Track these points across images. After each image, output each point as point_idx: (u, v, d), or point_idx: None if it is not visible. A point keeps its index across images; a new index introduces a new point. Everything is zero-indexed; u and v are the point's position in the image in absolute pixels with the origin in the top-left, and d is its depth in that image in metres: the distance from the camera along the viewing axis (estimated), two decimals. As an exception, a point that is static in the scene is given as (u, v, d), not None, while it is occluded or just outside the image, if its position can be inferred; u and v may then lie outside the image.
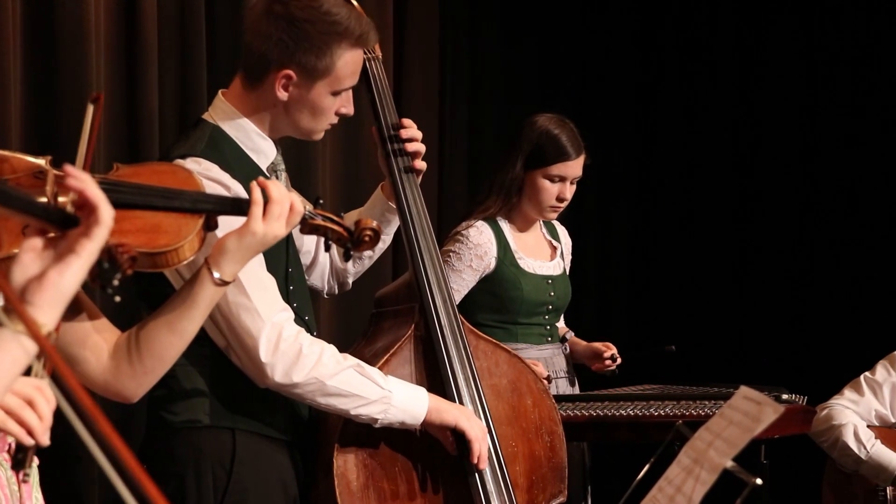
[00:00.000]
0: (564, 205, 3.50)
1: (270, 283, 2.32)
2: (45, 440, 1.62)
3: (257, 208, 2.04)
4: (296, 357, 2.28)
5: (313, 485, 2.48)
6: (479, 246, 3.43)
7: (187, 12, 3.55)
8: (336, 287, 2.76)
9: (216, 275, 2.05)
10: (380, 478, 2.47)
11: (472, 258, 3.43)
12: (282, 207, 2.06)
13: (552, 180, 3.45)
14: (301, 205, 2.11)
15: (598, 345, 3.59)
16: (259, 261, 2.30)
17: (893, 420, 3.46)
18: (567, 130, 3.47)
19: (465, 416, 2.45)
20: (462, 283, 3.42)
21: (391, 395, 2.37)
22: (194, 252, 1.98)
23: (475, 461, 2.46)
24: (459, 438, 2.48)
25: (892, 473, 3.32)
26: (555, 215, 3.53)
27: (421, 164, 2.64)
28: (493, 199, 3.49)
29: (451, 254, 3.42)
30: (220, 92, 2.47)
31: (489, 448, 2.53)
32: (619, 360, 3.55)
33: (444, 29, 4.68)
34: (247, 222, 2.05)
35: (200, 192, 2.03)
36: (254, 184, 2.07)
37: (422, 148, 2.64)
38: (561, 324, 3.69)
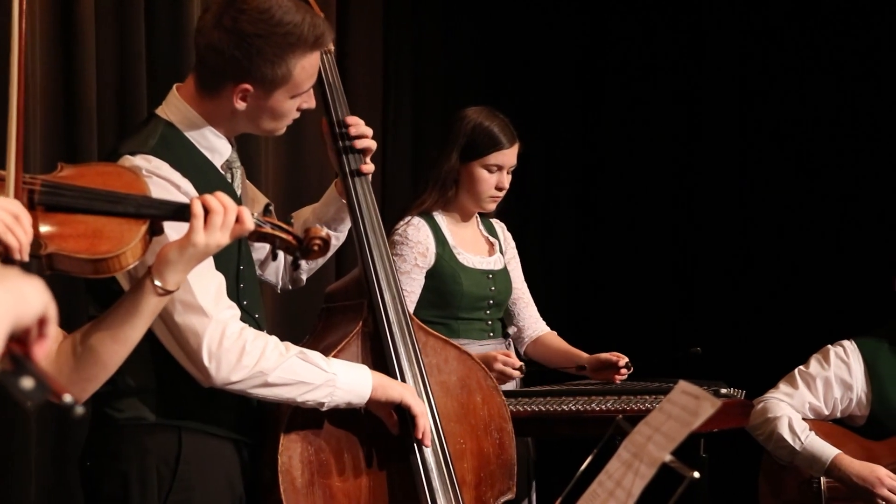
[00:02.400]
0: (502, 194, 3.52)
1: (216, 280, 2.31)
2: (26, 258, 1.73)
3: (198, 221, 2.03)
4: (239, 354, 2.27)
5: (259, 482, 2.47)
6: (419, 243, 3.44)
7: (125, 4, 3.51)
8: (290, 283, 2.75)
9: (158, 284, 2.04)
10: (325, 475, 2.47)
11: (415, 256, 3.43)
12: (223, 218, 2.04)
13: (490, 170, 3.47)
14: (250, 217, 2.09)
15: (605, 356, 3.50)
16: (207, 259, 2.28)
17: (827, 412, 3.51)
18: (499, 120, 3.50)
19: (409, 392, 2.46)
20: (414, 283, 3.42)
21: (336, 378, 2.37)
22: (137, 258, 1.96)
23: (420, 436, 2.46)
24: (403, 420, 2.48)
25: (824, 464, 3.37)
26: (494, 206, 3.54)
27: (368, 167, 2.63)
28: (429, 193, 3.50)
29: (395, 257, 3.41)
30: (174, 87, 2.43)
31: (436, 445, 2.54)
32: (632, 368, 3.51)
33: (387, 23, 4.68)
34: (187, 234, 2.04)
35: (146, 196, 2.01)
36: (193, 198, 2.06)
37: (372, 145, 2.64)
38: (535, 320, 3.69)
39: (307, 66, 2.35)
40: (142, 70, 3.52)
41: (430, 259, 3.46)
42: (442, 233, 3.49)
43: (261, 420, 2.48)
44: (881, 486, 3.33)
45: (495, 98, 4.64)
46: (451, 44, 5.01)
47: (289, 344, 2.38)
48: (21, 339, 1.18)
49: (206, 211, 2.03)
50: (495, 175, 3.48)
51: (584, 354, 3.59)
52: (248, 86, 2.31)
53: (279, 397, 2.34)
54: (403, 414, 2.48)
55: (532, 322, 3.72)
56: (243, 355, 2.28)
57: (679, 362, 3.51)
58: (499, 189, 3.49)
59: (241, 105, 2.34)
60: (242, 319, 2.41)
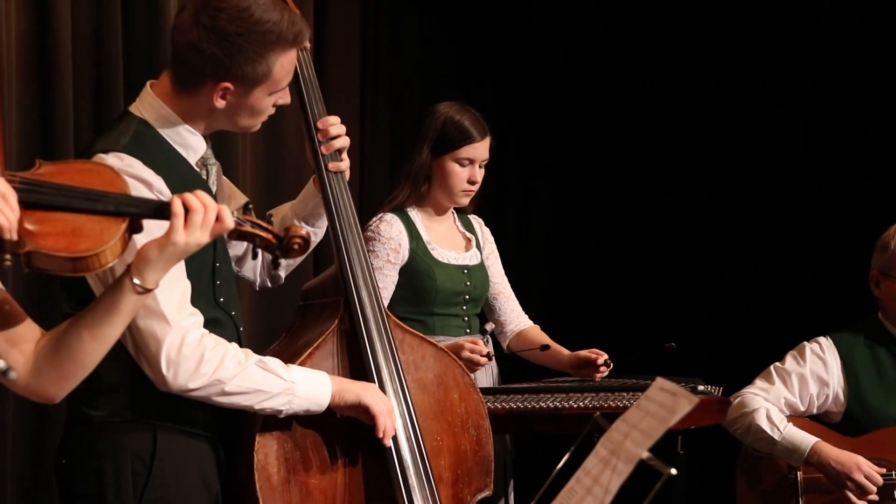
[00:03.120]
0: (475, 188, 3.52)
1: (182, 287, 2.30)
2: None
3: (178, 220, 2.02)
4: (198, 362, 2.27)
5: (235, 480, 2.47)
6: (391, 239, 3.44)
7: (102, 2, 3.49)
8: (268, 280, 2.74)
9: (137, 282, 2.03)
10: (301, 472, 2.47)
11: (388, 252, 3.43)
12: (203, 217, 2.04)
13: (461, 164, 3.48)
14: (230, 216, 2.09)
15: (585, 353, 3.52)
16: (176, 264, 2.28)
17: (802, 409, 3.53)
18: (469, 114, 3.51)
19: (367, 392, 2.46)
20: (387, 279, 3.42)
21: (294, 386, 2.37)
22: (116, 256, 1.95)
23: (380, 436, 2.46)
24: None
25: (804, 452, 3.40)
26: (467, 200, 3.54)
27: (342, 165, 2.63)
28: (401, 189, 3.50)
29: (368, 254, 3.41)
30: (148, 84, 2.42)
31: (412, 442, 2.54)
32: (611, 366, 3.53)
33: (364, 20, 4.67)
34: (168, 233, 2.03)
35: (125, 194, 2.00)
36: (173, 197, 2.05)
37: (347, 143, 2.64)
38: (508, 317, 3.69)
39: (286, 63, 2.35)
40: (119, 67, 3.50)
41: (404, 255, 3.46)
42: (416, 228, 3.49)
43: (236, 418, 2.47)
44: (858, 472, 3.35)
45: (472, 93, 4.65)
46: (427, 40, 5.00)
47: (249, 352, 2.37)
48: None
49: (187, 210, 2.03)
50: (467, 169, 3.48)
51: (566, 351, 3.60)
52: (228, 84, 2.31)
53: (237, 405, 2.34)
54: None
55: (514, 316, 3.72)
56: (202, 363, 2.27)
57: (657, 358, 3.52)
58: (471, 183, 3.50)
59: (220, 103, 2.33)
60: (218, 318, 2.41)
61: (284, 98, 2.42)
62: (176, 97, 2.37)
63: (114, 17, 3.51)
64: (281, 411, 2.38)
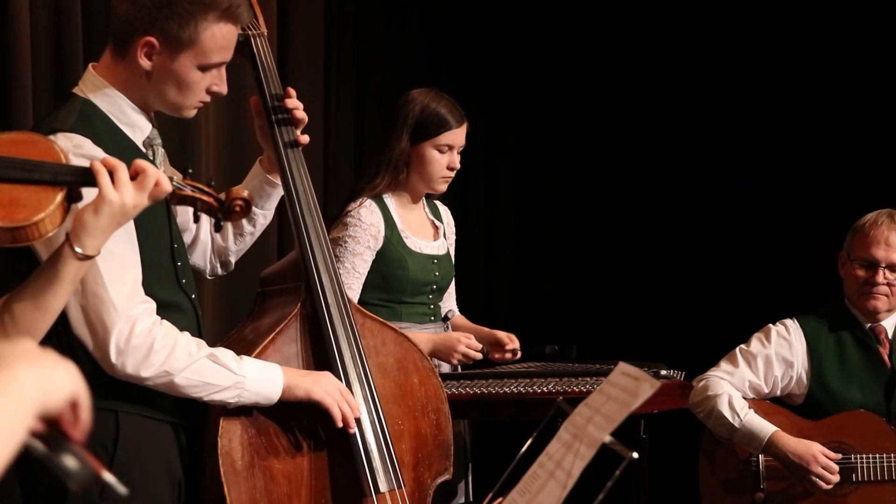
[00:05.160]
0: (453, 174, 3.53)
1: (133, 274, 2.28)
2: None
3: (103, 177, 2.00)
4: (147, 352, 2.26)
5: (198, 465, 2.46)
6: (372, 225, 3.44)
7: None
8: (219, 267, 2.73)
9: (77, 249, 2.01)
10: (265, 457, 2.46)
11: (368, 239, 3.43)
12: (127, 173, 2.02)
13: (441, 150, 3.48)
14: (167, 179, 2.08)
15: (502, 334, 3.56)
16: (126, 249, 2.26)
17: (766, 390, 3.56)
18: (446, 101, 3.51)
19: (317, 387, 2.44)
20: (365, 265, 3.42)
21: (245, 381, 2.37)
22: (56, 225, 1.94)
23: (339, 426, 2.45)
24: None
25: (762, 441, 3.42)
26: (445, 186, 3.55)
27: (304, 138, 2.62)
28: (382, 177, 3.49)
29: (347, 238, 3.41)
30: (90, 65, 2.41)
31: (376, 426, 2.54)
32: (518, 355, 3.57)
33: (328, 6, 4.65)
34: (99, 192, 2.01)
35: (61, 163, 1.99)
36: (93, 161, 2.04)
37: (305, 118, 2.63)
38: (451, 302, 3.72)
39: (217, 36, 2.33)
40: (78, 51, 3.46)
41: (380, 242, 3.46)
42: (391, 216, 3.49)
43: (200, 403, 2.46)
44: (815, 464, 3.38)
45: (437, 79, 4.63)
46: (392, 25, 4.99)
47: (202, 343, 2.36)
48: (55, 423, 1.15)
49: (111, 168, 2.01)
50: (446, 155, 3.49)
51: (486, 328, 3.65)
52: (152, 39, 2.30)
53: (186, 395, 2.34)
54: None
55: (451, 303, 3.75)
56: (151, 353, 2.27)
57: (561, 343, 3.62)
58: (450, 169, 3.50)
59: (146, 63, 2.31)
60: (180, 302, 2.40)
61: (220, 86, 2.39)
62: (113, 67, 2.36)
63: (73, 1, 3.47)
64: (229, 404, 2.38)
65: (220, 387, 2.34)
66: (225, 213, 2.18)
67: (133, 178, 2.03)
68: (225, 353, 2.37)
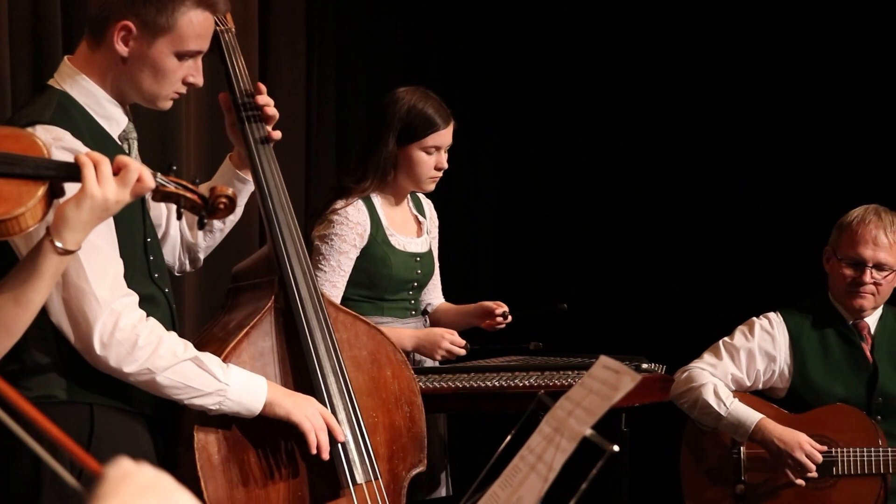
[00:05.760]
0: (441, 174, 3.52)
1: (115, 267, 2.27)
2: None
3: (88, 170, 1.99)
4: (131, 347, 2.25)
5: (174, 459, 2.44)
6: (358, 224, 3.43)
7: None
8: (188, 263, 2.71)
9: (58, 244, 2.00)
10: (241, 450, 2.45)
11: (354, 237, 3.42)
12: (111, 168, 2.01)
13: (428, 152, 3.46)
14: (150, 175, 2.06)
15: (488, 303, 3.60)
16: (109, 242, 2.25)
17: (748, 384, 3.56)
18: (433, 101, 3.49)
19: (297, 409, 2.43)
20: (350, 264, 3.42)
21: (228, 389, 2.36)
22: (38, 220, 1.93)
23: (313, 452, 2.44)
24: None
25: (749, 428, 3.43)
26: (433, 186, 3.55)
27: (276, 134, 2.61)
28: (370, 181, 3.47)
29: (333, 236, 3.40)
30: (65, 57, 2.39)
31: (352, 418, 2.53)
32: (510, 318, 3.58)
33: (310, 3, 4.63)
34: (81, 187, 2.00)
35: (43, 157, 1.97)
36: (77, 154, 2.02)
37: (276, 114, 2.61)
38: (436, 296, 3.71)
39: (195, 22, 2.32)
40: (58, 44, 3.44)
41: (366, 240, 3.45)
42: (377, 214, 3.49)
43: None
44: (799, 451, 3.39)
45: (418, 72, 4.63)
46: (374, 19, 4.97)
47: (188, 345, 2.35)
48: None
49: (95, 162, 2.00)
50: (434, 156, 3.47)
51: (469, 305, 3.68)
52: (129, 23, 2.28)
53: (166, 396, 2.33)
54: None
55: (437, 296, 3.75)
56: (135, 349, 2.26)
57: (550, 318, 3.62)
58: (438, 169, 3.49)
59: (122, 49, 2.30)
60: (153, 294, 2.38)
61: (196, 77, 2.38)
62: (89, 57, 2.34)
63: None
64: (211, 410, 2.37)
65: (202, 392, 2.33)
66: (209, 210, 2.17)
67: (116, 173, 2.02)
68: (211, 359, 2.36)
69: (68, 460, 2.28)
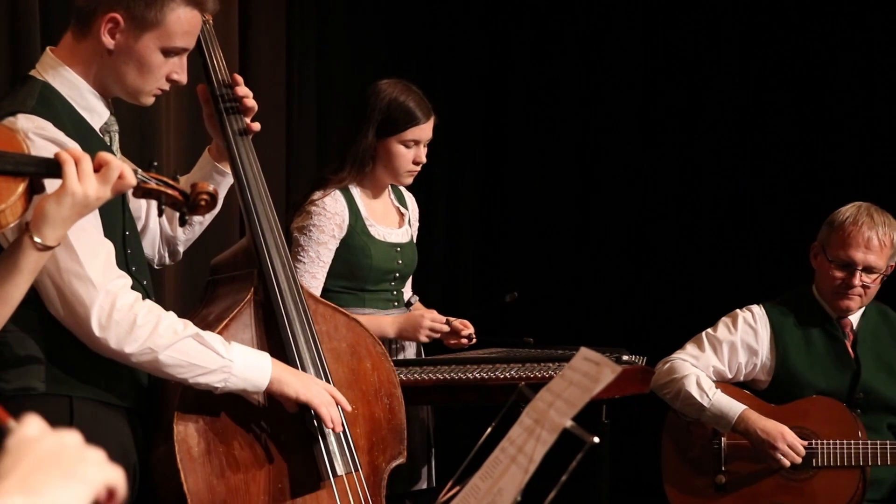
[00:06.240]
0: (419, 168, 3.51)
1: (106, 249, 2.26)
2: None
3: (69, 167, 1.98)
4: (130, 327, 2.24)
5: (154, 451, 2.43)
6: (336, 214, 3.42)
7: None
8: (167, 256, 2.71)
9: (37, 240, 1.99)
10: (221, 442, 2.44)
11: (333, 228, 3.41)
12: (92, 164, 2.00)
13: (407, 146, 3.46)
14: (131, 172, 2.06)
15: (456, 321, 3.58)
16: (95, 225, 2.24)
17: (730, 376, 3.57)
18: (414, 95, 3.48)
19: (305, 388, 2.43)
20: (329, 255, 3.41)
21: (232, 365, 2.34)
22: (17, 217, 1.92)
23: (330, 426, 2.45)
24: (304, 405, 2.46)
25: (732, 419, 3.44)
26: (411, 179, 3.54)
27: (255, 125, 2.60)
28: (348, 171, 3.47)
29: (312, 227, 3.39)
30: (48, 48, 2.38)
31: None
32: (474, 340, 3.57)
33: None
34: (62, 184, 1.99)
35: (23, 153, 1.96)
36: (59, 152, 2.01)
37: (255, 106, 2.61)
38: (406, 288, 3.70)
39: (183, 20, 2.32)
40: (36, 32, 3.41)
41: (344, 230, 3.45)
42: (356, 204, 3.48)
43: (154, 388, 2.44)
44: (782, 441, 3.40)
45: (399, 64, 4.61)
46: (355, 10, 4.96)
47: (188, 323, 2.34)
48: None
49: (76, 158, 1.99)
50: (412, 150, 3.47)
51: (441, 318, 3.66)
52: (117, 15, 2.28)
53: (171, 377, 2.32)
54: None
55: (408, 290, 3.74)
56: (134, 328, 2.25)
57: (525, 326, 3.64)
58: (416, 163, 3.49)
59: (109, 41, 2.29)
60: (131, 287, 2.37)
61: (180, 74, 2.37)
62: (73, 48, 2.33)
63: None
64: (216, 388, 2.35)
65: (207, 369, 2.32)
66: (190, 207, 2.16)
67: (97, 170, 2.01)
68: (212, 336, 2.35)
69: None
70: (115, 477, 1.08)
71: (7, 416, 1.11)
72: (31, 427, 1.07)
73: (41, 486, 1.02)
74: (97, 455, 1.08)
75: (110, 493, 1.09)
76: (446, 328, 3.45)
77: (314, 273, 3.36)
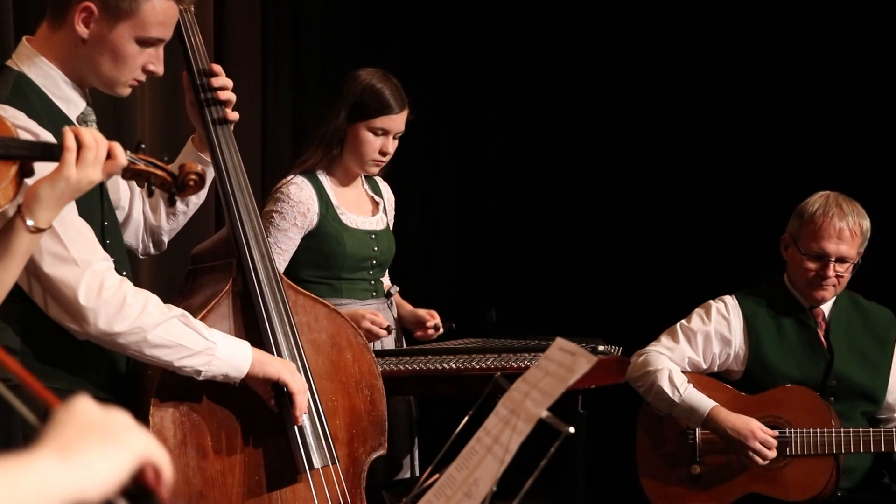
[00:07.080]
0: (387, 159, 3.50)
1: (87, 230, 2.27)
2: None
3: (70, 154, 1.99)
4: (119, 306, 2.24)
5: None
6: (300, 203, 3.41)
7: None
8: (151, 246, 2.70)
9: (30, 222, 1.99)
10: (198, 434, 2.44)
11: (295, 216, 3.40)
12: (95, 153, 2.01)
13: (375, 133, 3.45)
14: (122, 152, 2.06)
15: (422, 312, 3.60)
16: (73, 210, 2.24)
17: (705, 367, 3.58)
18: (391, 84, 3.47)
19: (287, 370, 2.45)
20: (290, 242, 3.40)
21: (215, 347, 2.35)
22: (8, 200, 1.92)
23: (297, 414, 2.45)
24: (279, 392, 2.46)
25: (701, 416, 3.45)
26: (376, 170, 3.52)
27: (233, 115, 2.60)
28: (314, 151, 3.46)
29: (274, 214, 3.39)
30: (24, 39, 2.37)
31: (310, 403, 2.53)
32: (441, 331, 3.58)
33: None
34: (59, 168, 1.99)
35: (12, 137, 1.96)
36: (66, 129, 2.01)
37: (233, 97, 2.60)
38: (386, 279, 3.70)
39: (158, 10, 2.31)
40: (9, 22, 3.39)
41: (312, 219, 3.43)
42: (325, 193, 3.46)
43: (130, 380, 2.44)
44: (754, 440, 3.41)
45: (375, 52, 4.60)
46: (331, 1, 4.94)
47: (171, 305, 2.35)
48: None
49: (80, 146, 1.98)
50: (380, 139, 3.45)
51: (409, 305, 3.68)
52: (91, 4, 2.27)
53: (157, 359, 2.31)
54: (279, 389, 2.47)
55: (385, 281, 3.75)
56: (124, 306, 2.25)
57: (501, 318, 3.65)
58: (382, 154, 3.47)
59: (83, 30, 2.28)
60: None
61: (156, 66, 2.36)
62: (49, 38, 2.32)
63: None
64: (200, 372, 2.35)
65: (192, 350, 2.32)
66: (179, 187, 2.17)
67: (81, 146, 2.00)
68: (194, 319, 2.36)
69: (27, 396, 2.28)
70: (160, 454, 1.10)
71: (56, 401, 1.13)
72: (82, 402, 1.10)
73: (78, 450, 1.04)
74: (144, 431, 1.10)
75: (156, 475, 1.09)
76: (384, 333, 3.35)
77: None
